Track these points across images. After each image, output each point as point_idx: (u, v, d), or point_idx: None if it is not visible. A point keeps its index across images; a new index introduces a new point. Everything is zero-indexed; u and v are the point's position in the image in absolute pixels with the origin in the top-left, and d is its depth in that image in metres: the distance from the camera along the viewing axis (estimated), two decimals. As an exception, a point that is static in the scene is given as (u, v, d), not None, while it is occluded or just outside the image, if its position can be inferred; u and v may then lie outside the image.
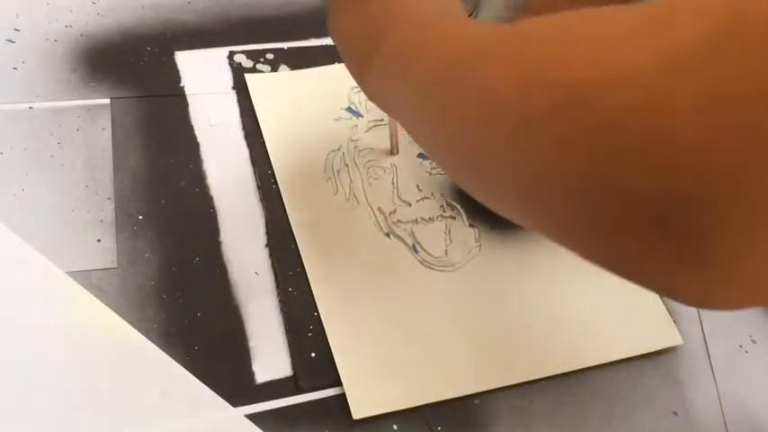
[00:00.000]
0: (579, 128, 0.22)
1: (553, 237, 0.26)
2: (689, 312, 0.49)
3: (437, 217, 0.50)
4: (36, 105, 0.51)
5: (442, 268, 0.48)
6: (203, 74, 0.56)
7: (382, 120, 0.54)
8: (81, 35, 0.56)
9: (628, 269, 0.23)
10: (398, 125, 0.52)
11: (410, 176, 0.52)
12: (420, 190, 0.52)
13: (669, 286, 0.23)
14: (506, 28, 0.29)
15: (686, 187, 0.19)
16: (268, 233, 0.48)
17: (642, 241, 0.21)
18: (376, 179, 0.52)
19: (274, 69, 0.57)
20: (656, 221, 0.20)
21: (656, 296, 0.49)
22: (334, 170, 0.52)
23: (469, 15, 0.47)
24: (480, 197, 0.31)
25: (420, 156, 0.53)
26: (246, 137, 0.53)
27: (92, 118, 0.52)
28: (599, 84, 0.21)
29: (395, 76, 0.35)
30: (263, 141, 0.53)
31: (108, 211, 0.47)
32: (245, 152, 0.52)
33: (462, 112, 0.28)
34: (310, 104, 0.55)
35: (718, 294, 0.22)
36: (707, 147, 0.19)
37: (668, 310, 0.49)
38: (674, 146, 0.19)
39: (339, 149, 0.53)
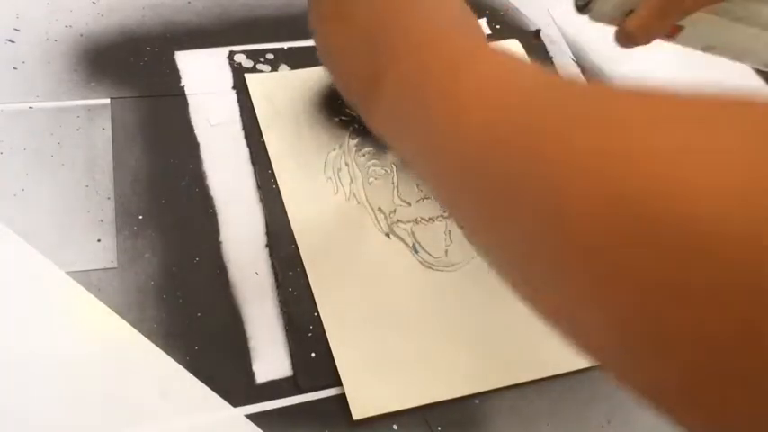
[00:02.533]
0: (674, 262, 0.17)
1: (590, 352, 0.22)
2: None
3: (437, 217, 0.50)
4: (36, 105, 0.51)
5: (442, 268, 0.48)
6: (203, 74, 0.56)
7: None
8: (81, 35, 0.56)
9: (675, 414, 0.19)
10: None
11: (410, 176, 0.52)
12: (420, 190, 0.52)
13: None
14: (567, 91, 0.24)
15: None
16: (268, 233, 0.48)
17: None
18: (376, 179, 0.52)
19: (274, 69, 0.57)
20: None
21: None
22: (334, 170, 0.52)
23: (584, 6, 0.46)
24: (516, 290, 0.26)
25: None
26: (246, 137, 0.53)
27: (92, 118, 0.52)
28: (713, 218, 0.17)
29: (410, 118, 0.29)
30: (263, 141, 0.53)
31: (108, 211, 0.47)
32: (245, 152, 0.52)
33: (506, 196, 0.23)
34: (311, 104, 0.55)
35: None
36: None
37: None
38: None
39: (339, 149, 0.53)
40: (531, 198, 0.22)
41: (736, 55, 0.49)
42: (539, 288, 0.23)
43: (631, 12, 0.45)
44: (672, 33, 0.47)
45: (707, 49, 0.50)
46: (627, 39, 0.45)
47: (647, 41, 0.46)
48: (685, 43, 0.49)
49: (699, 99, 0.20)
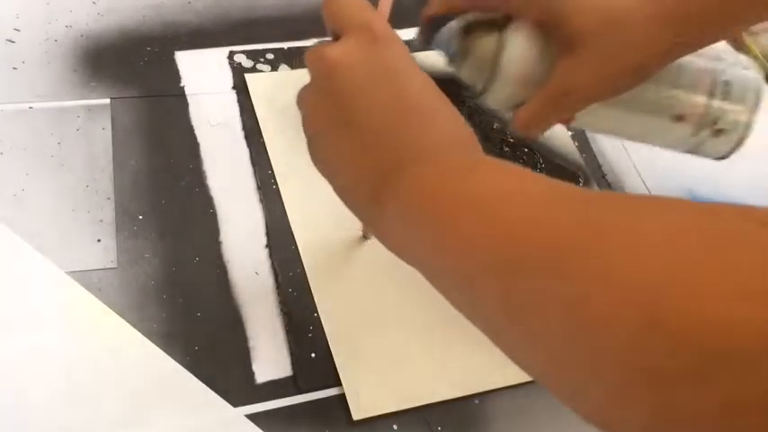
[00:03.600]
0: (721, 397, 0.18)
1: None
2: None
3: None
4: (36, 105, 0.51)
5: (442, 268, 0.48)
6: (203, 74, 0.56)
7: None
8: (81, 35, 0.56)
9: None
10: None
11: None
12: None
13: None
14: (582, 201, 0.25)
15: None
16: (268, 233, 0.48)
17: None
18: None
19: (274, 69, 0.57)
20: None
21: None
22: (335, 170, 0.52)
23: (478, 95, 0.46)
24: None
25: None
26: (246, 137, 0.53)
27: (92, 118, 0.52)
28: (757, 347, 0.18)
29: (419, 232, 0.29)
30: (263, 141, 0.53)
31: (108, 211, 0.47)
32: (245, 152, 0.52)
33: (532, 314, 0.24)
34: (310, 104, 0.55)
35: None
36: None
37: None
38: None
39: (339, 149, 0.53)
40: (560, 314, 0.23)
41: (630, 138, 0.49)
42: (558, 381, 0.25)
43: (523, 104, 0.44)
44: (565, 120, 0.47)
45: (605, 133, 0.49)
46: (521, 128, 0.44)
47: (541, 132, 0.46)
48: (582, 129, 0.49)
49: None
